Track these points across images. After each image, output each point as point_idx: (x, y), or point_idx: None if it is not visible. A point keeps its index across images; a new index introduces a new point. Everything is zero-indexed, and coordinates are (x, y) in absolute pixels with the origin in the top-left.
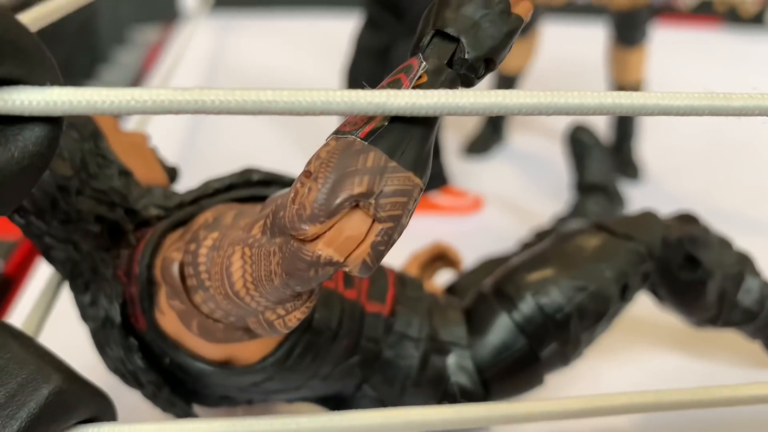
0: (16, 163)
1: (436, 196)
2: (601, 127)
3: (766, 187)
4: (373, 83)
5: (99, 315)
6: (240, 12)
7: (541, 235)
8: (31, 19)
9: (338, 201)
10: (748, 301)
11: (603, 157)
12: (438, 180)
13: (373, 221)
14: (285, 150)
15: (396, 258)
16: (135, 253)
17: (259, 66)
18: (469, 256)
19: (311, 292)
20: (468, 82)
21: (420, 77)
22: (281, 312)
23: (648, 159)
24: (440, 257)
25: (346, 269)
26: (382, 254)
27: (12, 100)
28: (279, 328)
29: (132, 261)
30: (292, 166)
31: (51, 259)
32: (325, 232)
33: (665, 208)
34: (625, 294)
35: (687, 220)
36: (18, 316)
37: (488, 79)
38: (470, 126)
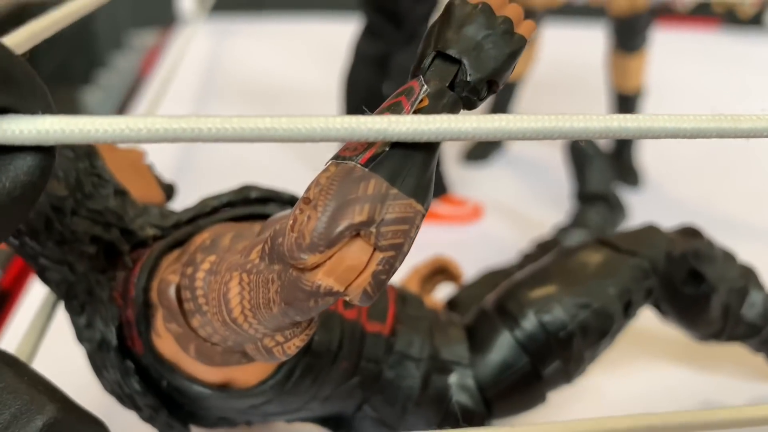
0: (8, 194)
1: (436, 205)
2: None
3: (767, 193)
4: (372, 91)
5: (95, 337)
6: (237, 16)
7: (542, 246)
8: (28, 34)
9: (338, 230)
10: (752, 315)
11: (603, 167)
12: (437, 189)
13: (374, 250)
14: (284, 161)
15: (397, 272)
16: (131, 275)
17: (257, 70)
18: (470, 266)
19: (311, 320)
20: (470, 105)
21: (421, 101)
22: (280, 339)
23: (648, 165)
24: (441, 271)
25: (347, 298)
26: (384, 283)
27: (3, 130)
28: (278, 355)
29: (128, 283)
30: (292, 178)
31: (46, 281)
32: (325, 261)
33: (666, 214)
34: (628, 310)
35: (690, 233)
36: (15, 331)
37: None
38: None
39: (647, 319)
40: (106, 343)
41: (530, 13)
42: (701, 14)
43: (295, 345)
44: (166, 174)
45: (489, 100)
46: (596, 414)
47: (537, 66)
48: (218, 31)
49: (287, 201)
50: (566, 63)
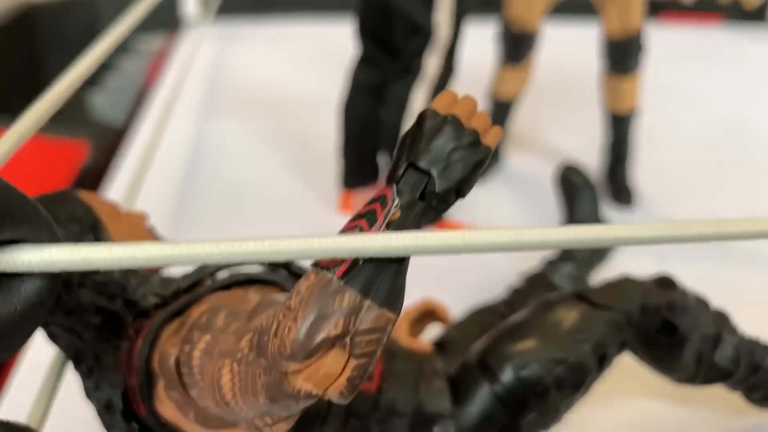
0: (19, 314)
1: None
2: (595, 150)
3: (762, 210)
4: (369, 119)
5: (102, 398)
6: (242, 19)
7: (530, 280)
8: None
9: (316, 343)
10: (724, 360)
11: (592, 198)
12: None
13: (349, 357)
14: (285, 177)
15: None
16: (134, 346)
17: (264, 73)
18: (463, 293)
19: None
20: (440, 211)
21: (394, 213)
22: (269, 421)
23: (642, 182)
24: (429, 314)
25: (326, 398)
26: (358, 386)
27: (14, 260)
28: None
29: (132, 353)
30: (293, 193)
31: (57, 344)
32: (304, 368)
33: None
34: (602, 363)
35: (665, 283)
36: (27, 388)
37: (482, 103)
38: None
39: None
40: (112, 405)
41: (528, 38)
42: (705, 9)
43: (281, 429)
44: (172, 191)
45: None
46: None
47: (536, 71)
48: (223, 35)
49: (279, 264)
50: (564, 64)
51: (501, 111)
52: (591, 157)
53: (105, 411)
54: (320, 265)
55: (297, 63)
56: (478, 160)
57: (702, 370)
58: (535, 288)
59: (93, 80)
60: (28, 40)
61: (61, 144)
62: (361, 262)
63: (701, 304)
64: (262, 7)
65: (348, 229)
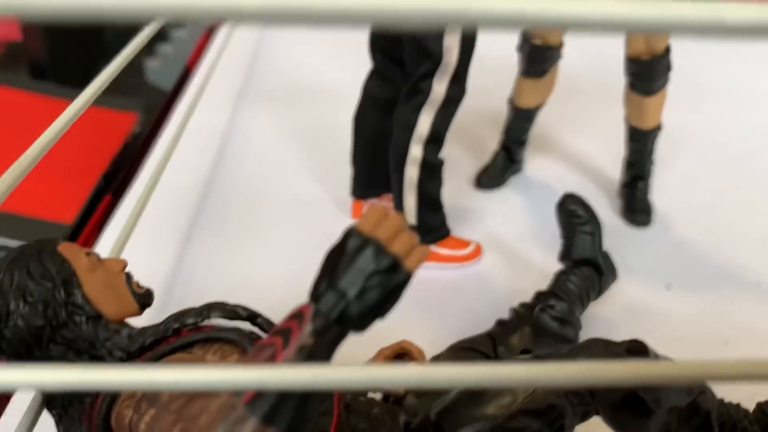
0: None
1: (436, 247)
2: (618, 157)
3: None
4: (379, 131)
5: None
6: None
7: (518, 314)
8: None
9: None
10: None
11: (595, 230)
12: (440, 233)
13: None
14: (308, 174)
15: (365, 351)
16: (95, 403)
17: (298, 59)
18: (460, 308)
19: None
20: (359, 330)
21: (306, 339)
22: None
23: (660, 197)
24: (405, 353)
25: None
26: None
27: None
28: None
29: (92, 411)
30: (314, 192)
31: None
32: None
33: (676, 254)
34: None
35: (636, 350)
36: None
37: (503, 109)
38: (488, 151)
39: None
40: None
41: (551, 52)
42: None
43: None
44: (195, 183)
45: (504, 123)
46: None
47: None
48: None
49: (246, 318)
50: (589, 67)
51: (522, 118)
52: (613, 163)
53: None
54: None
55: (331, 52)
56: (396, 285)
57: None
58: (523, 323)
59: (150, 49)
60: None
61: (111, 114)
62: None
63: None
64: None
65: (263, 345)
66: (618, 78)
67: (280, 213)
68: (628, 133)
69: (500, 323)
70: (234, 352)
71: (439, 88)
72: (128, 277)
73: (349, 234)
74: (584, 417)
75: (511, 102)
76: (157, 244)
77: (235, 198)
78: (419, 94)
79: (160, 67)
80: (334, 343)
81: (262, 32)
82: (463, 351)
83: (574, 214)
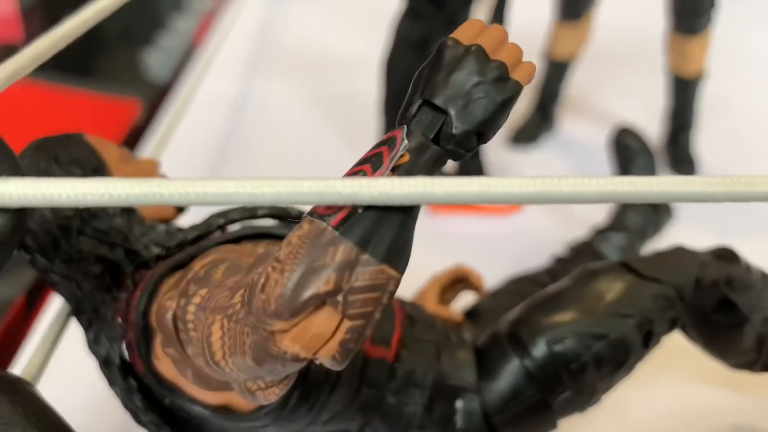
0: None
1: None
2: (656, 119)
3: None
4: (412, 75)
5: (101, 353)
6: None
7: (576, 250)
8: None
9: (303, 299)
10: None
11: (650, 164)
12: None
13: (342, 318)
14: (328, 136)
15: (417, 279)
16: (132, 298)
17: (310, 35)
18: (505, 261)
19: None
20: (457, 157)
21: (402, 156)
22: (261, 384)
23: (704, 153)
24: (461, 280)
25: (316, 362)
26: (352, 351)
27: None
28: (260, 398)
29: (130, 306)
30: (334, 154)
31: (58, 292)
32: (291, 327)
33: (720, 211)
34: (648, 341)
35: (725, 256)
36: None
37: (537, 64)
38: (518, 111)
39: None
40: (110, 360)
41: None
42: None
43: (274, 393)
44: (210, 153)
45: (538, 78)
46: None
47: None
48: None
49: (295, 217)
50: (623, 31)
51: (556, 72)
52: (650, 125)
53: (104, 365)
54: (316, 213)
55: (345, 25)
56: (505, 99)
57: (764, 355)
58: (582, 258)
59: (147, 40)
60: None
61: (113, 101)
62: (360, 211)
63: (767, 280)
64: None
65: (350, 174)
66: (648, 45)
67: (302, 170)
68: (671, 82)
69: (559, 260)
70: None
71: (478, 17)
72: (163, 177)
73: (445, 45)
74: (672, 325)
75: (546, 55)
76: None
77: (251, 160)
78: (457, 24)
79: (161, 56)
80: (432, 166)
81: (269, 7)
82: (524, 282)
83: (628, 148)
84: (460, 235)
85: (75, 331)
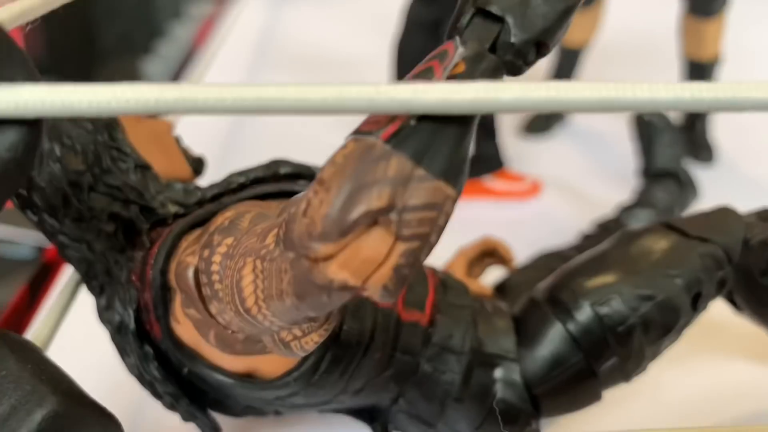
0: None
1: (491, 181)
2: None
3: None
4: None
5: (114, 320)
6: None
7: (604, 226)
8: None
9: (353, 217)
10: None
11: (673, 141)
12: (493, 163)
13: (396, 240)
14: (331, 139)
15: (442, 253)
16: (149, 256)
17: (312, 39)
18: (525, 246)
19: (329, 314)
20: (515, 70)
21: (456, 65)
22: (297, 333)
23: (722, 139)
24: (490, 253)
25: (365, 294)
26: (407, 278)
27: None
28: (295, 350)
29: (145, 265)
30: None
31: (67, 258)
32: (339, 252)
33: (742, 194)
34: (697, 304)
35: None
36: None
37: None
38: None
39: (719, 307)
40: (124, 326)
41: None
42: None
43: (312, 340)
44: (209, 149)
45: (547, 72)
46: (652, 413)
47: (603, 31)
48: (275, 1)
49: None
50: (636, 26)
51: (568, 59)
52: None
53: (117, 333)
54: (360, 132)
55: (348, 30)
56: (567, 6)
57: None
58: (609, 234)
59: (146, 48)
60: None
61: None
62: (413, 123)
63: None
64: None
65: None
66: (661, 36)
67: (311, 156)
68: (687, 68)
69: (586, 236)
70: None
71: None
72: (177, 139)
73: None
74: (720, 288)
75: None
76: None
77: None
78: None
79: (161, 64)
80: (488, 75)
81: (269, 12)
82: (553, 257)
83: (651, 124)
84: (477, 221)
85: (76, 321)
